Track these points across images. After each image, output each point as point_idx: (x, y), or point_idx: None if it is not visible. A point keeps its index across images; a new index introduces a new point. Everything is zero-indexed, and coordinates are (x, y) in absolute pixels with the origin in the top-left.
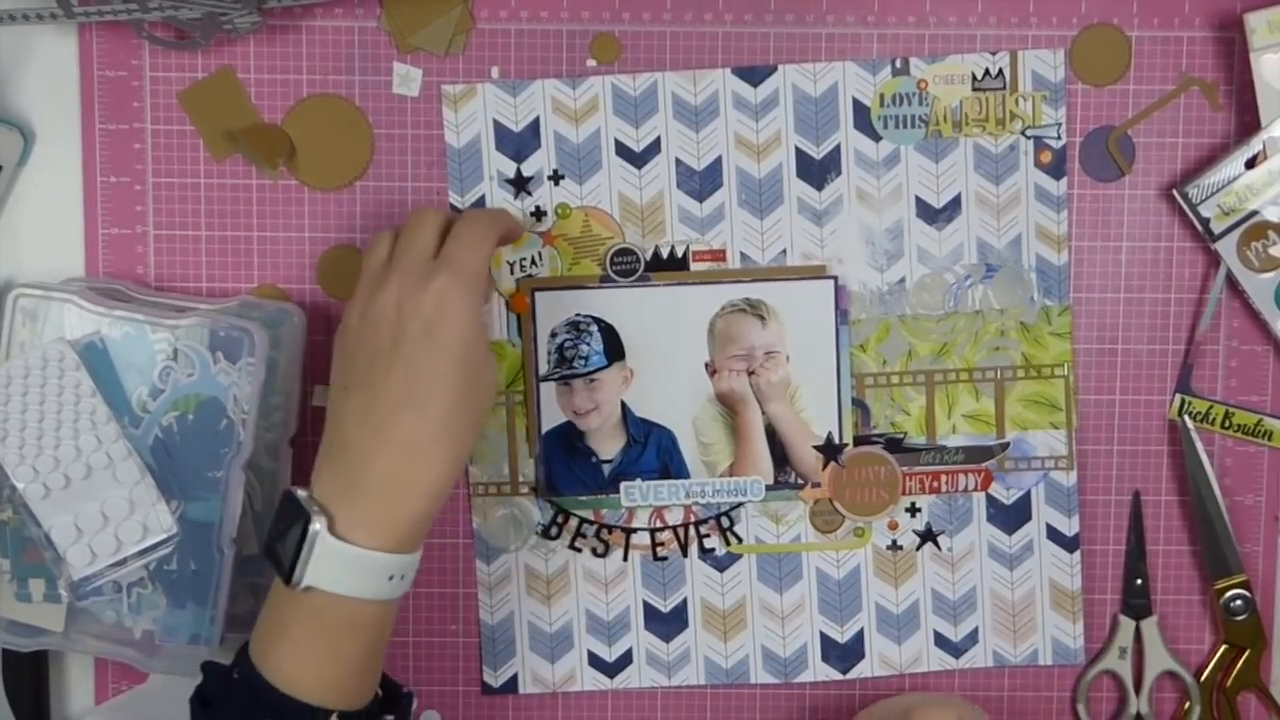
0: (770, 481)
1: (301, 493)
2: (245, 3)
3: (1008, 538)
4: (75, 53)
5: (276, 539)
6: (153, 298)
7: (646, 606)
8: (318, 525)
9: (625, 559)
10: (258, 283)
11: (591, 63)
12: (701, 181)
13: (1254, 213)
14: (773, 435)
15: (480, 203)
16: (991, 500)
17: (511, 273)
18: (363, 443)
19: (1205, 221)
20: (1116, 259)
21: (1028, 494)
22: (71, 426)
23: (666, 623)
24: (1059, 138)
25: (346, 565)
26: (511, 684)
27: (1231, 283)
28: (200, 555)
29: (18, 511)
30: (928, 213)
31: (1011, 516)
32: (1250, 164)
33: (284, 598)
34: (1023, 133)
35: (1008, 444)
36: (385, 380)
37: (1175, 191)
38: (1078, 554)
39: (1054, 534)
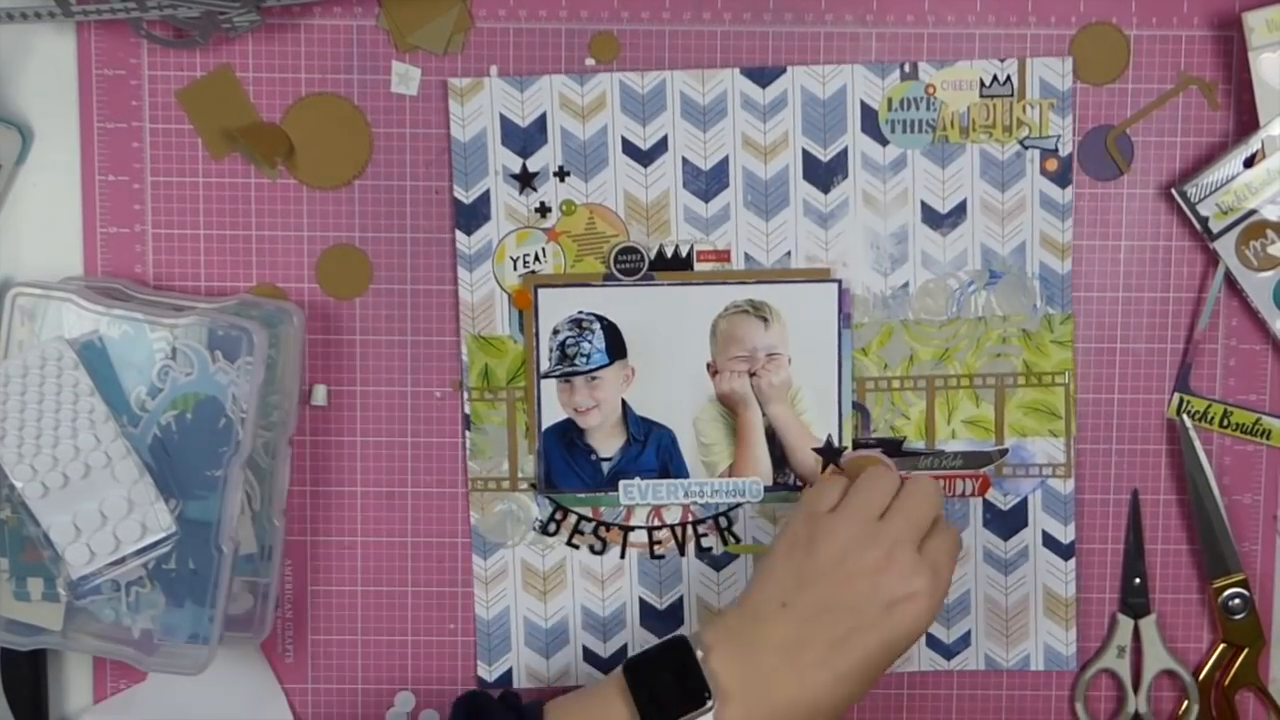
0: (769, 483)
1: (707, 666)
2: (244, 1)
3: (1003, 543)
4: (74, 51)
5: (657, 670)
6: (151, 296)
7: (642, 604)
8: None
9: (622, 556)
10: (256, 282)
11: (590, 62)
12: (708, 181)
13: (1252, 211)
14: (773, 437)
15: (485, 197)
16: (988, 506)
17: (515, 269)
18: (774, 665)
19: (1204, 220)
20: (1115, 258)
21: (1024, 500)
22: (70, 425)
23: (662, 620)
24: (1056, 150)
25: None
26: (506, 678)
27: (1230, 282)
28: (199, 554)
29: (16, 510)
30: (933, 218)
31: (1008, 522)
32: (1249, 163)
33: (615, 709)
34: (1022, 143)
35: (1006, 450)
36: (821, 631)
37: (1174, 190)
38: (1073, 561)
39: (1050, 541)
